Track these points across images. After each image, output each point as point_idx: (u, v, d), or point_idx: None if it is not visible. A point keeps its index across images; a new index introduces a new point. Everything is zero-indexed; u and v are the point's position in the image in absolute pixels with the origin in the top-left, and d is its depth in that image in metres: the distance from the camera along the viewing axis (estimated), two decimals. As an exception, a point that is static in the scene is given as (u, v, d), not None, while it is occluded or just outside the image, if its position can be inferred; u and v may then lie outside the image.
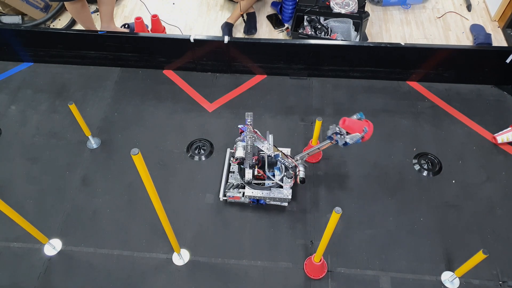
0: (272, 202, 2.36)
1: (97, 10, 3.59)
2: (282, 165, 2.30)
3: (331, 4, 3.19)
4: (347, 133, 2.07)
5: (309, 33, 3.14)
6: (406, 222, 2.33)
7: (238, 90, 3.01)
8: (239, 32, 3.44)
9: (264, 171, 2.31)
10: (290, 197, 2.29)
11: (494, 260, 2.17)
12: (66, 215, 2.38)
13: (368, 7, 3.58)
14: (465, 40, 3.33)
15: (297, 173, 2.26)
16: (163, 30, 3.38)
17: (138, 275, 2.16)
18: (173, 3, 3.71)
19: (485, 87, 2.99)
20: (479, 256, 1.74)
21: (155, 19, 3.25)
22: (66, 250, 2.25)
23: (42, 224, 2.24)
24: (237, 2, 3.32)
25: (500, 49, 2.98)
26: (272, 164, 2.36)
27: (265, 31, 3.45)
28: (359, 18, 3.13)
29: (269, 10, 3.63)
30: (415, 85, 3.02)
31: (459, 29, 3.42)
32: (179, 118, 2.84)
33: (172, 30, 3.47)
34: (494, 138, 2.67)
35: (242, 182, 2.32)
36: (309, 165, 2.56)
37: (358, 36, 3.11)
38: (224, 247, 2.25)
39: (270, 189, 2.29)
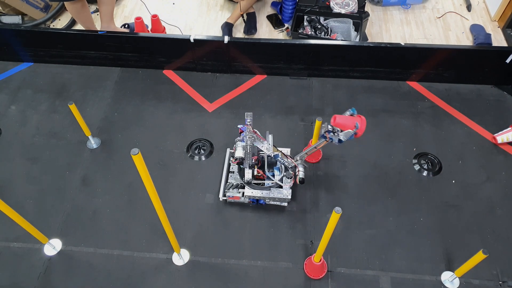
0: (271, 202, 2.36)
1: (97, 10, 3.59)
2: (282, 165, 2.30)
3: (331, 4, 3.19)
4: (341, 130, 2.07)
5: (309, 33, 3.14)
6: (406, 222, 2.33)
7: (238, 90, 3.01)
8: (239, 32, 3.44)
9: (263, 171, 2.31)
10: (289, 197, 2.29)
11: (494, 260, 2.17)
12: (66, 215, 2.38)
13: (368, 7, 3.58)
14: (465, 40, 3.33)
15: (297, 173, 2.26)
16: (163, 30, 3.38)
17: (138, 275, 2.16)
18: (173, 3, 3.71)
19: (485, 87, 2.99)
20: (479, 256, 1.74)
21: (155, 19, 3.25)
22: (66, 250, 2.25)
23: (42, 224, 2.24)
24: (237, 2, 3.32)
25: (500, 49, 2.98)
26: (272, 164, 2.36)
27: (265, 31, 3.45)
28: (359, 18, 3.13)
29: (269, 10, 3.63)
30: (415, 85, 3.02)
31: (459, 29, 3.42)
32: (179, 118, 2.84)
33: (172, 30, 3.47)
34: (494, 138, 2.67)
35: (242, 182, 2.32)
36: (309, 165, 2.56)
37: (358, 36, 3.11)
38: (224, 247, 2.25)
39: (270, 189, 2.29)
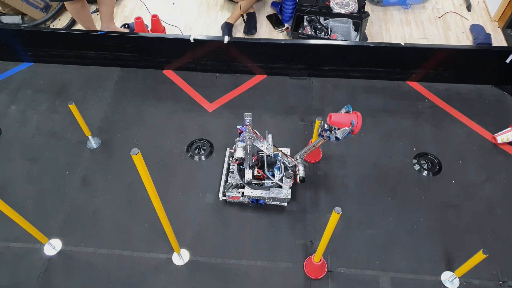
0: (271, 202, 2.36)
1: (97, 10, 3.59)
2: (282, 165, 2.30)
3: (331, 4, 3.19)
4: (338, 128, 2.07)
5: (309, 33, 3.14)
6: (406, 222, 2.33)
7: (238, 90, 3.01)
8: (239, 32, 3.44)
9: (263, 171, 2.31)
10: (289, 197, 2.29)
11: (494, 260, 2.17)
12: (66, 215, 2.38)
13: (368, 7, 3.58)
14: (465, 40, 3.33)
15: (297, 172, 2.26)
16: (163, 30, 3.38)
17: (138, 275, 2.16)
18: (173, 3, 3.71)
19: (485, 87, 2.99)
20: (479, 256, 1.74)
21: (155, 19, 3.25)
22: (66, 250, 2.25)
23: (42, 224, 2.24)
24: (237, 2, 3.32)
25: (500, 49, 2.98)
26: (272, 164, 2.36)
27: (265, 31, 3.45)
28: (359, 18, 3.13)
29: (269, 10, 3.63)
30: (415, 85, 3.02)
31: (459, 29, 3.42)
32: (179, 118, 2.84)
33: (172, 30, 3.47)
34: (494, 138, 2.67)
35: (242, 182, 2.32)
36: (309, 165, 2.56)
37: (358, 36, 3.11)
38: (224, 247, 2.25)
39: (270, 189, 2.29)
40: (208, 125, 2.79)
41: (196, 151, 2.66)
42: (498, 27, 3.40)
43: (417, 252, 2.22)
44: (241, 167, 2.31)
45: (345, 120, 2.03)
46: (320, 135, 2.14)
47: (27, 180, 2.53)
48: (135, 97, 2.96)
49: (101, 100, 2.94)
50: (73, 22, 3.47)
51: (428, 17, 3.53)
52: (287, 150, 2.48)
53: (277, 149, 2.18)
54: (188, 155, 2.64)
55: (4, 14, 3.42)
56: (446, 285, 2.11)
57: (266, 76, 3.09)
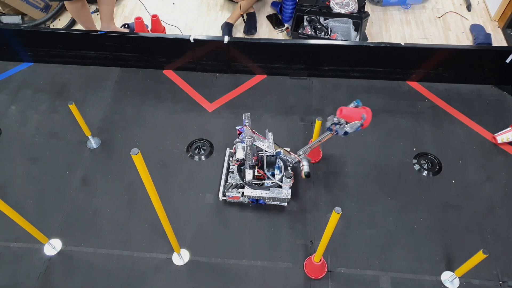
0: (271, 202, 2.36)
1: (97, 10, 3.59)
2: (282, 165, 2.29)
3: (331, 4, 3.19)
4: (347, 122, 2.07)
5: (309, 33, 3.14)
6: (406, 222, 2.33)
7: (238, 90, 3.01)
8: (239, 32, 3.44)
9: (263, 171, 2.31)
10: (289, 197, 2.29)
11: (494, 260, 2.17)
12: (66, 215, 2.38)
13: (368, 7, 3.58)
14: (465, 40, 3.33)
15: (301, 167, 2.25)
16: (163, 30, 3.38)
17: (138, 275, 2.16)
18: (173, 3, 3.71)
19: (485, 87, 2.99)
20: (479, 256, 1.74)
21: (155, 19, 3.25)
22: (66, 250, 2.25)
23: (42, 224, 2.24)
24: (237, 2, 3.32)
25: (500, 49, 2.98)
26: (271, 163, 2.36)
27: (265, 31, 3.45)
28: (359, 18, 3.13)
29: (269, 10, 3.63)
30: (415, 85, 3.02)
31: (459, 29, 3.42)
32: (179, 118, 2.84)
33: (172, 30, 3.47)
34: (494, 138, 2.67)
35: (242, 182, 2.32)
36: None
37: (358, 36, 3.11)
38: (224, 247, 2.25)
39: (270, 189, 2.29)
40: (208, 125, 2.79)
41: (196, 151, 2.66)
42: (498, 27, 3.40)
43: (417, 252, 2.22)
44: (242, 167, 2.31)
45: (355, 114, 2.03)
46: (329, 129, 2.13)
47: (27, 180, 2.53)
48: (135, 97, 2.96)
49: (101, 100, 2.94)
50: (73, 22, 3.47)
51: (428, 17, 3.53)
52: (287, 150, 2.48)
53: (279, 147, 2.18)
54: (188, 155, 2.64)
55: (4, 14, 3.42)
56: (446, 285, 2.11)
57: (266, 76, 3.09)
